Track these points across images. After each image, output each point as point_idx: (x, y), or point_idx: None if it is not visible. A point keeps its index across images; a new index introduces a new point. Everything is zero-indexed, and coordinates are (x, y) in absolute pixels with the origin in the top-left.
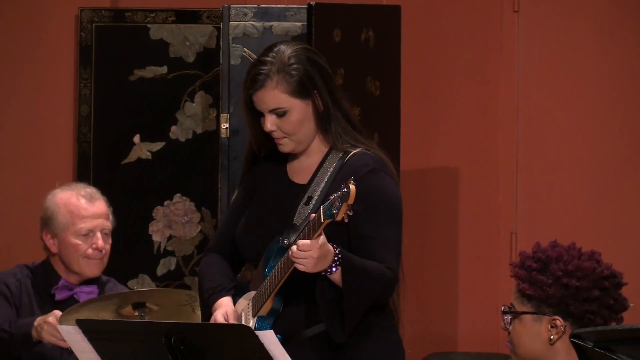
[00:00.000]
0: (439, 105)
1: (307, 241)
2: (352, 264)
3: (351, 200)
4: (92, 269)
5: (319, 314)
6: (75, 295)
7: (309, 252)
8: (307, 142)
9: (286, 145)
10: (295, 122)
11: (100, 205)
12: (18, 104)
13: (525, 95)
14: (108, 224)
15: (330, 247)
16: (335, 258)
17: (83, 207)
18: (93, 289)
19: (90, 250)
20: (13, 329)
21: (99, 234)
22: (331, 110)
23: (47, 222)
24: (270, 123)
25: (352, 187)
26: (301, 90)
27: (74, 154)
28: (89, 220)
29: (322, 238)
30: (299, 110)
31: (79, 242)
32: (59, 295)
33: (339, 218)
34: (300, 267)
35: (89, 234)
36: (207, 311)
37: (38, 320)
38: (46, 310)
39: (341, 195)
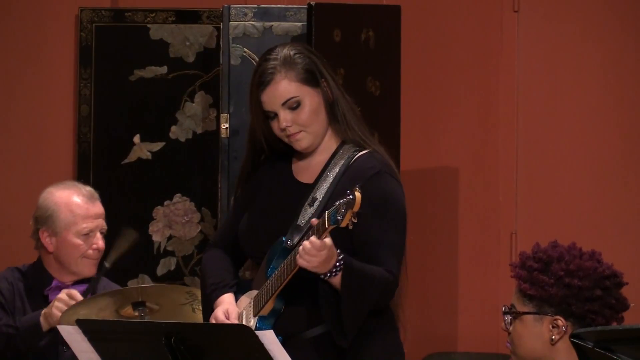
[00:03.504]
0: (439, 105)
1: (319, 241)
2: (352, 269)
3: (356, 208)
4: (90, 269)
5: (324, 317)
6: None
7: (320, 252)
8: (322, 136)
9: (303, 140)
10: (310, 111)
11: (99, 206)
12: (18, 104)
13: (525, 95)
14: (105, 225)
15: (335, 251)
16: (337, 264)
17: (85, 207)
18: (85, 287)
19: (90, 251)
20: (19, 322)
21: (99, 235)
22: (340, 99)
23: (45, 221)
24: (284, 119)
25: (357, 194)
26: (310, 77)
27: (74, 154)
28: (90, 221)
29: (329, 240)
30: (311, 99)
31: (79, 242)
32: (53, 297)
33: (343, 225)
34: (303, 263)
35: (89, 234)
36: (209, 307)
37: (46, 308)
38: None
39: (346, 202)
